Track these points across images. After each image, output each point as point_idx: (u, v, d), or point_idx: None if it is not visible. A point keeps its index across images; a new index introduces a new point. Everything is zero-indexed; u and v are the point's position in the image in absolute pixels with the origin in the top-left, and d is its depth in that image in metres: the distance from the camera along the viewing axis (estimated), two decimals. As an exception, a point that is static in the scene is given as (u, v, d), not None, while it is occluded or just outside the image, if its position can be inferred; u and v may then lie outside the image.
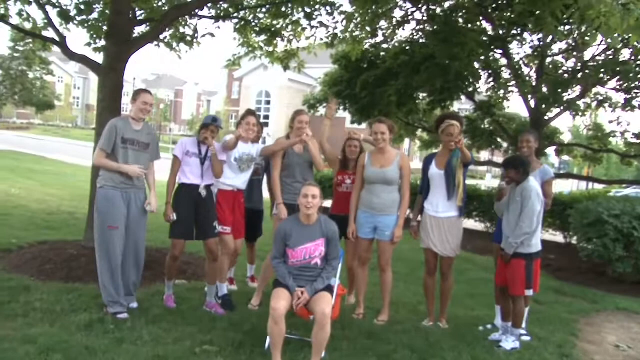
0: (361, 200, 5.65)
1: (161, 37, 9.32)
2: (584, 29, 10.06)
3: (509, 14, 10.38)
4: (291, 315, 4.40)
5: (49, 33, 8.11)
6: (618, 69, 11.04)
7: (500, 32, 11.46)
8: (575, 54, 12.30)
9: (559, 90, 10.35)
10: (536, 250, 5.06)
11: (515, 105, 53.79)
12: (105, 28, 7.96)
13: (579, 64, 12.26)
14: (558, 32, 9.36)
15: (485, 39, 10.99)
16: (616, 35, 6.00)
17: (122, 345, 4.27)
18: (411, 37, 11.95)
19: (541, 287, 5.84)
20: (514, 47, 12.60)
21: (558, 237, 12.55)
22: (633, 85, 11.77)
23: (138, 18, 8.14)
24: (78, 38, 45.82)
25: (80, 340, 4.25)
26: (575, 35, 10.94)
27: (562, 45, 12.55)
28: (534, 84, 11.92)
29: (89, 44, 8.75)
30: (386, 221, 5.50)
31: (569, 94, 11.24)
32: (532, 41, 12.34)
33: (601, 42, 11.18)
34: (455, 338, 5.20)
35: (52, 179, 16.33)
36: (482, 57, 11.23)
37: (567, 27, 10.64)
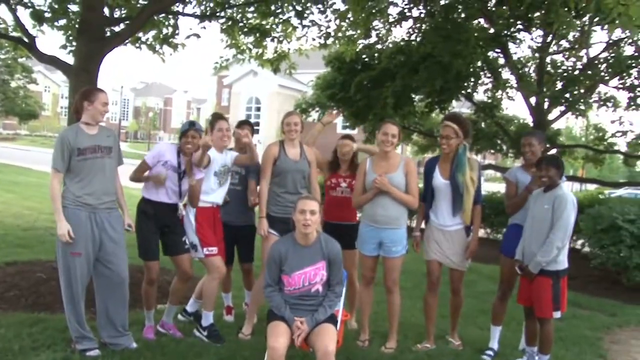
0: (364, 213, 5.02)
1: (143, 38, 8.78)
2: (597, 19, 9.51)
3: (518, 4, 9.76)
4: (289, 347, 3.75)
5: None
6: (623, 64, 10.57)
7: (500, 30, 10.96)
8: (575, 52, 11.85)
9: (570, 88, 9.81)
10: (563, 268, 4.44)
11: (513, 107, 53.71)
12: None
13: (580, 63, 11.82)
14: (572, 24, 8.81)
15: (485, 36, 10.48)
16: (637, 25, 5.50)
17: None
18: (408, 35, 11.38)
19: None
20: (511, 47, 12.13)
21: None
22: (637, 83, 11.33)
23: (115, 17, 7.57)
24: (54, 40, 44.93)
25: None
26: (581, 30, 10.41)
27: (562, 43, 12.13)
28: (535, 84, 11.43)
29: (64, 46, 8.23)
30: (392, 236, 4.85)
31: (577, 92, 10.70)
32: (532, 39, 11.90)
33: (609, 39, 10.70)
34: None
35: (34, 191, 15.65)
36: (483, 56, 10.72)
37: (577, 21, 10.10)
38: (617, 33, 10.32)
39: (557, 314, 4.44)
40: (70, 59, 7.49)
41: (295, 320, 3.70)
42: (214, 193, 4.86)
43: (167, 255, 4.75)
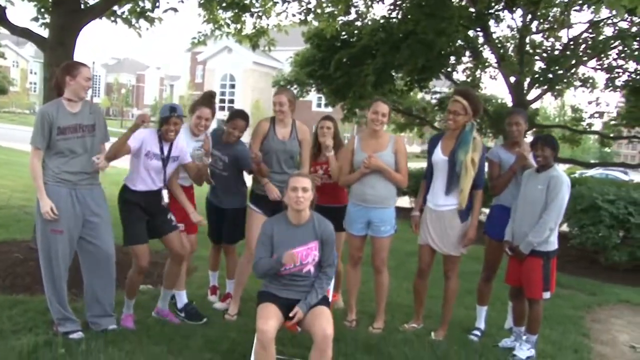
0: (352, 192, 4.92)
1: (119, 12, 8.49)
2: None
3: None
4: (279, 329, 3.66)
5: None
6: (601, 45, 10.62)
7: (482, 8, 10.90)
8: (555, 32, 11.89)
9: (552, 68, 9.82)
10: (553, 248, 4.41)
11: (491, 87, 53.84)
12: None
13: (559, 43, 11.87)
14: (559, 4, 8.79)
15: (467, 14, 10.40)
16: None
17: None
18: (389, 12, 11.25)
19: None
20: (491, 26, 12.10)
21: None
22: (615, 64, 11.43)
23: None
24: (23, 12, 43.57)
25: (21, 372, 3.43)
26: (563, 10, 10.42)
27: (543, 23, 12.14)
28: (517, 63, 11.43)
29: (35, 19, 7.85)
30: (381, 215, 4.77)
31: (559, 73, 10.73)
32: (512, 18, 11.89)
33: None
34: (463, 347, 4.58)
35: (5, 169, 15.22)
36: (464, 34, 10.66)
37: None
38: (599, 14, 10.33)
39: (546, 295, 4.42)
40: (42, 32, 7.21)
41: (286, 254, 3.57)
42: (185, 176, 4.71)
43: (155, 237, 4.50)
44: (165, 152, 4.36)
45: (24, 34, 6.32)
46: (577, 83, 12.57)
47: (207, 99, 4.91)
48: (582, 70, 12.50)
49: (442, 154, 4.72)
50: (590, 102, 13.38)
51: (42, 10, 7.77)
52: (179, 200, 4.55)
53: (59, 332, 4.03)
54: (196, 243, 5.11)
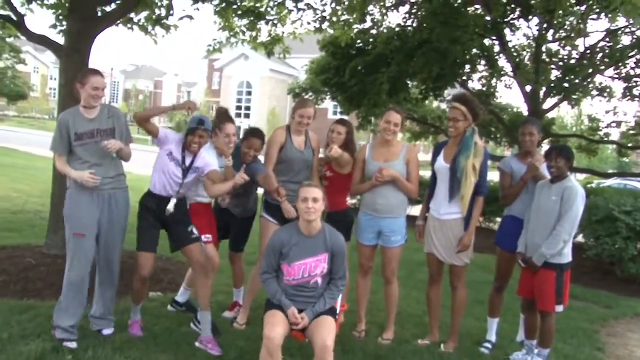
0: (362, 202, 4.90)
1: (135, 19, 8.57)
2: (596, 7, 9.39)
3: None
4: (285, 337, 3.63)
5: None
6: (618, 54, 10.50)
7: (497, 17, 10.84)
8: (572, 41, 11.78)
9: (568, 77, 9.73)
10: (567, 261, 4.35)
11: (507, 96, 53.48)
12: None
13: (576, 52, 11.76)
14: (575, 13, 8.71)
15: (483, 23, 10.35)
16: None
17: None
18: (404, 20, 11.23)
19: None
20: (507, 34, 12.03)
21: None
22: (633, 73, 11.30)
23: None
24: (43, 20, 44.24)
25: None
26: (580, 18, 10.31)
27: (559, 31, 12.05)
28: (532, 72, 11.34)
29: (53, 26, 7.95)
30: (392, 225, 4.74)
31: (575, 82, 10.63)
32: (528, 26, 11.80)
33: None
34: (473, 359, 4.51)
35: (22, 173, 15.38)
36: (479, 43, 10.61)
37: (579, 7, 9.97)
38: (616, 22, 10.23)
39: (559, 308, 4.36)
40: (60, 39, 7.28)
41: (290, 307, 3.58)
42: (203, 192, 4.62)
43: (175, 250, 4.47)
44: (187, 162, 4.29)
45: (41, 41, 6.38)
46: (594, 92, 12.43)
47: (225, 115, 4.86)
48: (599, 79, 12.37)
49: (444, 162, 4.69)
50: (607, 112, 13.23)
51: (60, 17, 7.87)
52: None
53: (55, 338, 4.04)
54: (217, 255, 4.85)
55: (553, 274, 4.29)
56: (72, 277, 4.08)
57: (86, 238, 4.06)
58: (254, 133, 4.91)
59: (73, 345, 3.99)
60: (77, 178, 3.98)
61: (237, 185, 4.16)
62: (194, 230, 4.40)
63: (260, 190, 5.05)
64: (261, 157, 4.96)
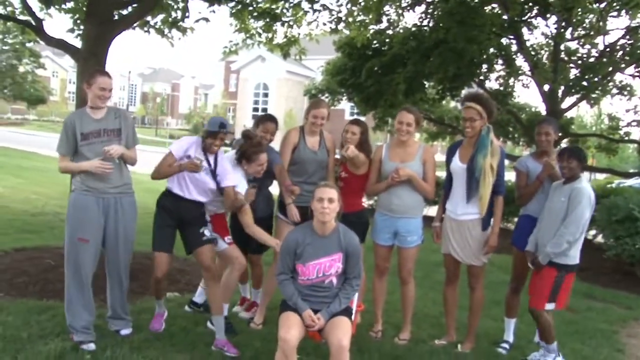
0: (379, 202, 4.89)
1: (152, 22, 8.64)
2: (616, 5, 9.26)
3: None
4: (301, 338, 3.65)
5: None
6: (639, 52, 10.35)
7: (514, 16, 10.75)
8: (591, 39, 11.64)
9: (587, 76, 9.62)
10: (572, 263, 4.29)
11: (524, 95, 52.90)
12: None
13: (595, 50, 11.62)
14: (592, 9, 8.61)
15: (500, 22, 10.28)
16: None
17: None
18: (420, 20, 11.19)
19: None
20: (524, 33, 11.92)
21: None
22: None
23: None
24: (61, 24, 44.75)
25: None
26: (599, 16, 10.18)
27: (578, 30, 11.91)
28: (550, 71, 11.23)
29: (71, 30, 8.07)
30: (408, 225, 4.73)
31: (595, 80, 10.50)
32: (547, 25, 11.69)
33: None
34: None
35: (42, 176, 15.61)
36: (497, 42, 10.53)
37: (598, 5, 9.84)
38: (637, 19, 10.08)
39: (550, 306, 4.30)
40: (78, 43, 7.37)
41: (306, 309, 3.58)
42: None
43: (189, 253, 4.49)
44: (212, 163, 4.29)
45: (59, 45, 6.46)
46: (614, 91, 12.27)
47: (258, 145, 4.58)
48: (619, 77, 12.22)
49: (460, 162, 4.67)
50: (627, 110, 13.03)
51: (78, 21, 7.96)
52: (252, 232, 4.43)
53: (74, 340, 4.05)
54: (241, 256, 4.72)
55: (554, 273, 4.26)
56: (77, 282, 4.09)
57: (90, 244, 4.05)
58: (269, 118, 4.97)
59: (91, 347, 4.00)
60: (89, 167, 3.96)
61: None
62: (206, 232, 4.38)
63: (275, 191, 5.05)
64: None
